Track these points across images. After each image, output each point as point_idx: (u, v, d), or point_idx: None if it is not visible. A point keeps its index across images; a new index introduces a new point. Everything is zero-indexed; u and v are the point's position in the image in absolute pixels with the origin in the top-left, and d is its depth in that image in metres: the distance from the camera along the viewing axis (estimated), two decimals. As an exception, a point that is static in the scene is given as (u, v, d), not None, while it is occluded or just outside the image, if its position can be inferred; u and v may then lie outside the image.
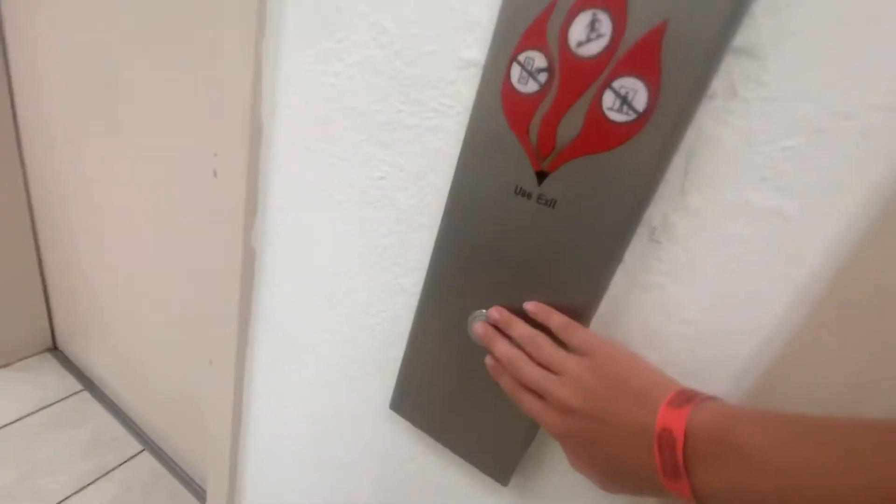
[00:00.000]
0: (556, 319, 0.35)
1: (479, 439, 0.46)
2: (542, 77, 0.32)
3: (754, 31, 0.28)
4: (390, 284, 0.49)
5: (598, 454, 0.31)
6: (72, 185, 1.11)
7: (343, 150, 0.47)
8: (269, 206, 0.56)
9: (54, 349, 1.55)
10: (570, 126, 0.32)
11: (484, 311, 0.41)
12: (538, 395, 0.34)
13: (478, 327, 0.39)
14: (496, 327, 0.38)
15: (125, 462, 1.26)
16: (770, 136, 0.29)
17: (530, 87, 0.33)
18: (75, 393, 1.42)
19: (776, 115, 0.28)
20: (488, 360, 0.39)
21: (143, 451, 1.29)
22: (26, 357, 1.49)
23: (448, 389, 0.46)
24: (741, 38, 0.28)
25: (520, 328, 0.36)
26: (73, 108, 0.96)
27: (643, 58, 0.29)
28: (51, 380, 1.44)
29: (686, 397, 0.28)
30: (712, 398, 0.29)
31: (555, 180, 0.34)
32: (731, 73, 0.29)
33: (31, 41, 0.97)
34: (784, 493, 0.23)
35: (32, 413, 1.33)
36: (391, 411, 0.52)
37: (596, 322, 0.38)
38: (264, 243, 0.59)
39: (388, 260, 0.48)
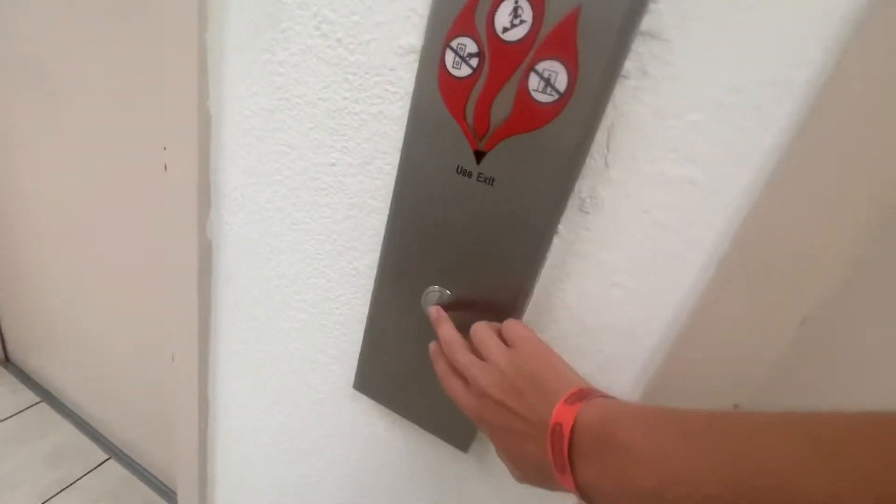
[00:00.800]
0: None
1: (439, 410, 0.48)
2: (474, 62, 0.34)
3: (658, 15, 0.31)
4: (347, 268, 0.50)
5: (509, 444, 0.32)
6: (12, 188, 1.06)
7: (293, 138, 0.48)
8: (223, 196, 0.57)
9: (6, 362, 1.48)
10: (502, 107, 0.34)
11: (436, 287, 0.43)
12: (465, 380, 0.36)
13: (431, 310, 0.41)
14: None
15: (90, 472, 1.23)
16: (678, 111, 0.32)
17: (464, 71, 0.35)
18: (33, 405, 1.37)
19: (682, 92, 0.32)
20: (432, 346, 0.41)
21: (108, 459, 1.26)
22: (-26, 371, 1.42)
23: (407, 365, 0.48)
24: (648, 22, 0.31)
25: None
26: (13, 113, 0.92)
27: (561, 42, 0.31)
28: (5, 393, 1.38)
29: (582, 395, 0.30)
30: (607, 396, 0.31)
31: (492, 159, 0.36)
32: (640, 54, 0.32)
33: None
34: (658, 489, 0.23)
35: (-15, 429, 1.27)
36: (355, 391, 0.53)
37: (537, 291, 0.40)
38: (220, 234, 0.59)
39: (344, 244, 0.50)
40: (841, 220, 0.29)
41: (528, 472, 0.32)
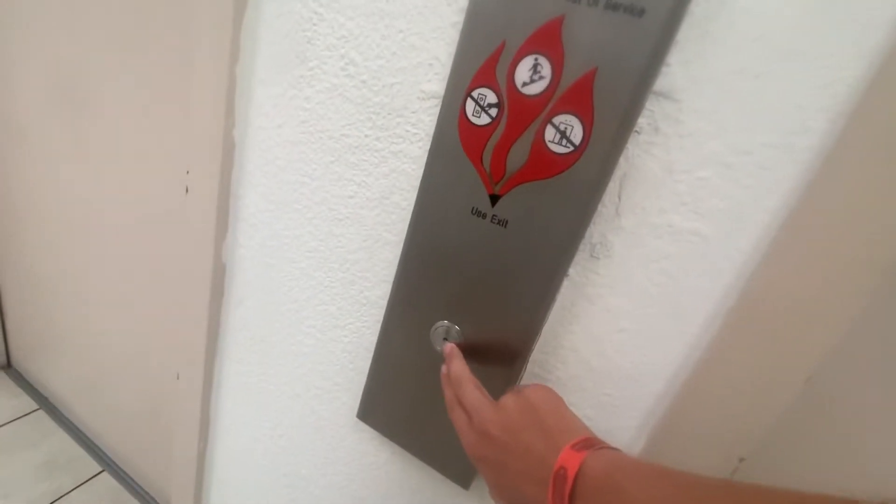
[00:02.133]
0: None
1: (442, 445, 0.48)
2: (493, 111, 0.36)
3: (671, 77, 0.32)
4: (358, 297, 0.51)
5: (504, 483, 0.33)
6: (29, 198, 1.08)
7: (314, 170, 0.50)
8: (241, 221, 0.58)
9: (8, 367, 1.48)
10: (518, 155, 0.36)
11: (445, 322, 0.44)
12: (469, 415, 0.36)
13: (446, 346, 0.42)
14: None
15: (83, 484, 1.21)
16: (687, 167, 0.33)
17: (483, 119, 0.37)
18: (30, 412, 1.36)
19: (691, 150, 0.33)
20: (444, 369, 0.41)
21: (102, 471, 1.25)
22: (-23, 376, 1.42)
23: (412, 397, 0.49)
24: (660, 83, 0.33)
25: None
26: (41, 122, 0.95)
27: (578, 98, 0.33)
28: (3, 399, 1.38)
29: (588, 444, 0.30)
30: (613, 449, 0.31)
31: (506, 202, 0.38)
32: (653, 112, 0.33)
33: (2, 50, 0.96)
34: None
35: (-18, 435, 1.26)
36: (358, 420, 0.54)
37: (545, 331, 0.41)
38: (235, 258, 0.60)
39: (357, 274, 0.51)
40: (843, 280, 0.30)
41: None
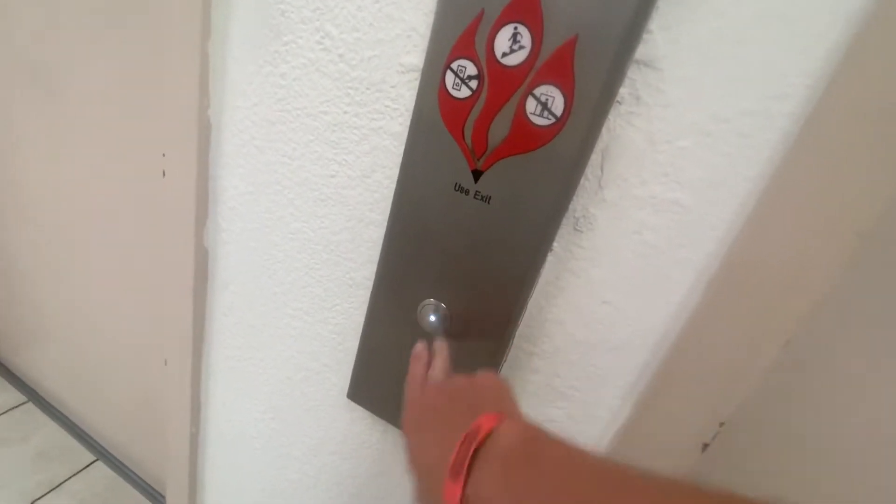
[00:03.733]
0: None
1: (432, 420, 0.49)
2: (474, 84, 0.35)
3: (652, 45, 0.32)
4: (344, 278, 0.51)
5: (421, 444, 0.31)
6: (7, 188, 1.05)
7: (293, 149, 0.49)
8: (221, 205, 0.57)
9: (-7, 360, 1.46)
10: (500, 128, 0.35)
11: (432, 300, 0.44)
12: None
13: (417, 346, 0.42)
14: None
15: (77, 473, 1.21)
16: (669, 137, 0.33)
17: (463, 92, 0.36)
18: (19, 405, 1.35)
19: (673, 119, 0.33)
20: (419, 348, 0.42)
21: (96, 461, 1.25)
22: (-39, 370, 1.40)
23: (402, 375, 0.49)
24: (642, 51, 0.32)
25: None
26: (8, 110, 0.91)
27: (559, 68, 0.32)
28: (-10, 393, 1.36)
29: (513, 416, 0.28)
30: (540, 427, 0.28)
31: (489, 178, 0.37)
32: (635, 81, 0.33)
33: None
34: None
35: (-29, 429, 1.25)
36: (348, 400, 0.54)
37: (531, 306, 0.41)
38: (217, 242, 0.59)
39: (341, 255, 0.50)
40: (822, 246, 0.30)
41: (420, 481, 0.30)
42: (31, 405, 1.35)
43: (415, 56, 0.39)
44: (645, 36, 0.32)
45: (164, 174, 0.57)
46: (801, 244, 0.31)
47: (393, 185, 0.43)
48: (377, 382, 0.51)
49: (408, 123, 0.40)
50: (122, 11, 0.66)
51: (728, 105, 0.31)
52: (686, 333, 0.36)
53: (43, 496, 1.14)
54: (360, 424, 0.56)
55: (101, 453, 1.26)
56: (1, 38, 0.85)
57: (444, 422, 0.30)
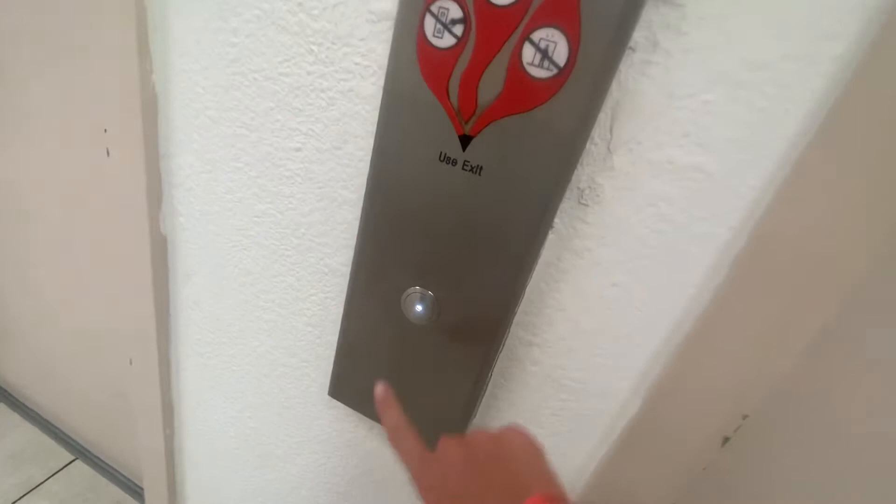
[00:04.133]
0: None
1: (420, 418, 0.44)
2: (458, 29, 0.29)
3: (673, -25, 0.26)
4: (318, 266, 0.46)
5: None
6: None
7: (251, 119, 0.42)
8: (176, 186, 0.50)
9: (-44, 360, 1.38)
10: (492, 84, 0.30)
11: (418, 287, 0.39)
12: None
13: (378, 388, 0.37)
14: None
15: (56, 473, 1.16)
16: (691, 90, 0.28)
17: (446, 40, 0.30)
18: (-12, 406, 1.28)
19: (696, 68, 0.27)
20: (379, 388, 0.37)
21: (75, 460, 1.20)
22: (-79, 372, 1.32)
23: (386, 371, 0.44)
24: (661, -16, 0.27)
25: None
26: None
27: (561, 4, 0.26)
28: (-44, 395, 1.29)
29: (557, 499, 0.27)
30: None
31: (479, 144, 0.32)
32: (651, 22, 0.27)
33: None
34: None
35: (-63, 433, 1.19)
36: (330, 398, 0.49)
37: (529, 290, 0.37)
38: (175, 228, 0.53)
39: (313, 239, 0.45)
40: (871, 219, 0.26)
41: None
42: (2, 406, 1.29)
43: (387, 1, 0.33)
44: (665, -36, 0.26)
45: (107, 153, 0.50)
46: (845, 214, 0.26)
47: (368, 158, 0.37)
48: (360, 378, 0.46)
49: (381, 83, 0.34)
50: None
51: (765, 49, 0.26)
52: (706, 317, 0.32)
53: (21, 498, 1.09)
54: (344, 422, 0.52)
55: (80, 452, 1.21)
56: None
57: (481, 495, 0.27)
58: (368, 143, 0.37)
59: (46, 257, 0.89)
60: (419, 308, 0.38)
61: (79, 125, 0.64)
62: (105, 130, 0.49)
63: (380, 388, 0.36)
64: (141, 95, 0.45)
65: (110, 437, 1.14)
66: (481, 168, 0.32)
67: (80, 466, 1.19)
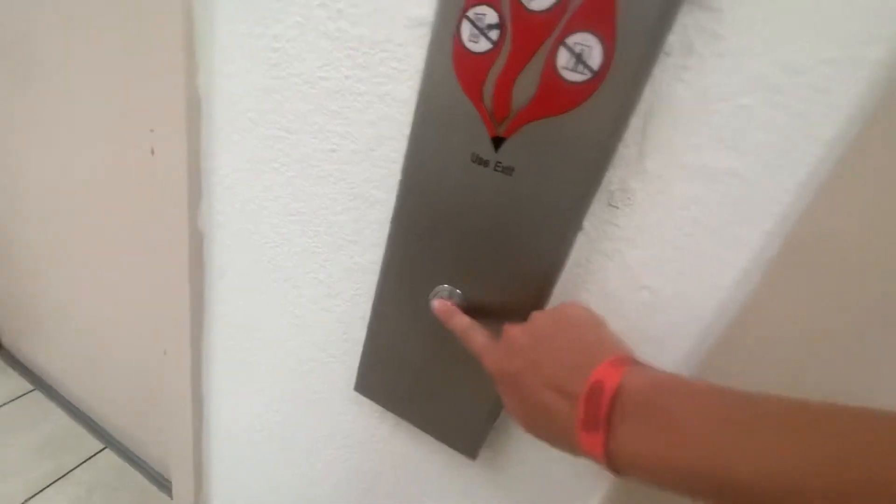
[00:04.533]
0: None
1: (446, 415, 0.45)
2: (494, 34, 0.30)
3: (710, -20, 0.27)
4: (349, 263, 0.47)
5: (526, 396, 0.30)
6: (3, 174, 1.02)
7: (290, 121, 0.44)
8: (216, 184, 0.53)
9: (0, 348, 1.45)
10: (526, 87, 0.30)
11: (446, 286, 0.39)
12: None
13: (435, 304, 0.38)
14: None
15: (85, 461, 1.21)
16: (726, 94, 0.28)
17: (482, 45, 0.31)
18: (26, 393, 1.34)
19: (732, 71, 0.28)
20: (437, 303, 0.38)
21: (104, 448, 1.24)
22: (-32, 358, 1.39)
23: (413, 367, 0.45)
24: (697, -11, 0.27)
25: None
26: None
27: (597, 10, 0.27)
28: (-2, 381, 1.35)
29: (629, 361, 0.27)
30: (656, 369, 0.28)
31: (512, 146, 0.32)
32: (686, 26, 0.28)
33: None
34: (698, 467, 0.22)
35: (-21, 416, 1.25)
36: (356, 393, 0.50)
37: (558, 290, 0.37)
38: (212, 225, 0.55)
39: (345, 238, 0.46)
40: (911, 221, 0.26)
41: (540, 424, 0.30)
42: (38, 393, 1.35)
43: (425, 7, 0.34)
44: (701, -31, 0.26)
45: (152, 152, 0.53)
46: (883, 218, 0.26)
47: (401, 160, 0.38)
48: (387, 374, 0.47)
49: (417, 87, 0.36)
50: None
51: (803, 53, 0.26)
52: (737, 324, 0.32)
53: (50, 485, 1.14)
54: (370, 418, 0.53)
55: (109, 441, 1.25)
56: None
57: (551, 367, 0.29)
58: (402, 146, 0.38)
59: (87, 250, 0.94)
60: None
61: (125, 125, 0.67)
62: (151, 130, 0.52)
63: (437, 303, 0.38)
64: (186, 97, 0.47)
65: (138, 428, 1.18)
66: (513, 169, 0.33)
67: (109, 455, 1.24)
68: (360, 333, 0.48)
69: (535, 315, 0.32)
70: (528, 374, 0.29)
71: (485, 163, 0.34)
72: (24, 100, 0.82)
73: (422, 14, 0.34)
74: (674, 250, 0.32)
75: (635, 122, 0.31)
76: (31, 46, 0.74)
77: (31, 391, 1.35)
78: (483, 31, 0.30)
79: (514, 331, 0.32)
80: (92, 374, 1.20)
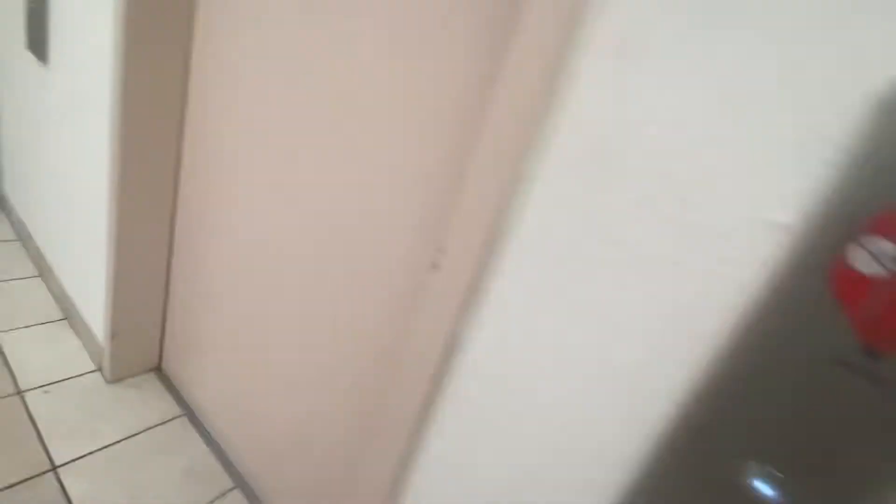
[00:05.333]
0: None
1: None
2: (893, 264, 0.33)
3: None
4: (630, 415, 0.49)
5: None
6: (227, 216, 1.15)
7: (594, 273, 0.49)
8: (485, 305, 0.58)
9: (158, 369, 1.60)
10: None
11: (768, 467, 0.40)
12: None
13: None
14: None
15: (216, 499, 1.26)
16: None
17: (873, 269, 0.34)
18: (173, 418, 1.46)
19: None
20: None
21: (234, 488, 1.30)
22: (134, 375, 1.55)
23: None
24: None
25: None
26: (240, 144, 1.03)
27: None
28: (152, 401, 1.49)
29: None
30: None
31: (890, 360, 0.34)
32: None
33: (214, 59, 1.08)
34: None
35: (135, 435, 1.36)
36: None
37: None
38: (470, 327, 0.60)
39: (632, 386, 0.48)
40: None
41: None
42: (184, 419, 1.46)
43: (787, 217, 0.38)
44: None
45: (434, 266, 0.61)
46: None
47: (709, 335, 0.41)
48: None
49: (760, 276, 0.39)
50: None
51: None
52: None
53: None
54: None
55: (239, 482, 1.31)
56: (271, 54, 0.96)
57: None
58: (716, 322, 0.41)
59: (276, 305, 1.05)
60: (767, 489, 0.39)
61: (408, 225, 0.75)
62: (439, 249, 0.60)
63: None
64: (490, 231, 0.55)
65: (271, 475, 1.22)
66: (888, 381, 0.34)
67: (237, 496, 1.29)
68: (617, 475, 0.49)
69: None
70: None
71: (851, 367, 0.35)
72: (274, 151, 0.97)
73: (783, 221, 0.38)
74: None
75: None
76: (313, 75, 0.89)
77: (179, 416, 1.46)
78: (878, 259, 0.33)
79: None
80: (239, 412, 1.27)
